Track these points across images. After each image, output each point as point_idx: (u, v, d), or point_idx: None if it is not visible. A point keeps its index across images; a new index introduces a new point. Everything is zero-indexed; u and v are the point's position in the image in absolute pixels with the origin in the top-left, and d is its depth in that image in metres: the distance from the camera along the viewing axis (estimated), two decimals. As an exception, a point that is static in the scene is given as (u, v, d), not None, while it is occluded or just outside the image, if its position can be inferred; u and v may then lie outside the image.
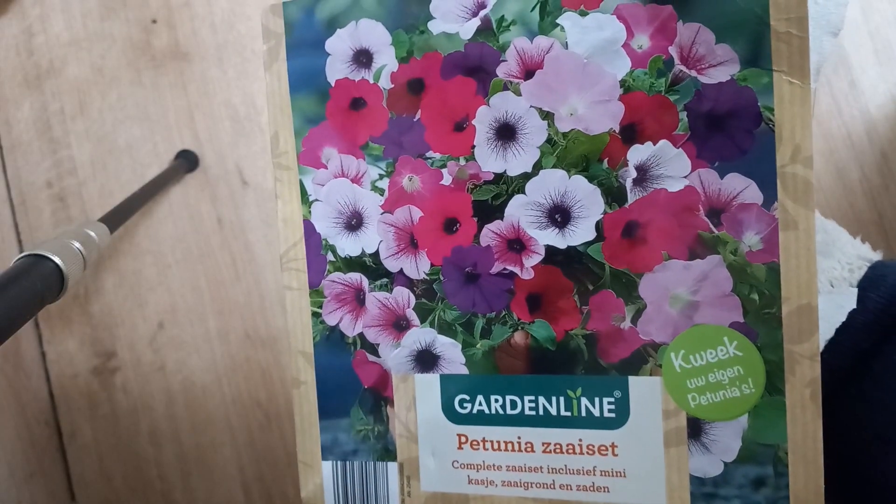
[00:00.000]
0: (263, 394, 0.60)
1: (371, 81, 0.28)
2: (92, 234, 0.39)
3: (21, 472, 0.58)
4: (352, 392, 0.29)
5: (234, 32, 0.60)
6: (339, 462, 0.30)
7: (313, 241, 0.29)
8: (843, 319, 0.25)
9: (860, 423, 0.26)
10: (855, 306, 0.26)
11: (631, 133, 0.26)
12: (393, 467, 0.29)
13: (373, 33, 0.28)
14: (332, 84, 0.29)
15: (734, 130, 0.25)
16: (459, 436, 0.28)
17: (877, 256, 0.29)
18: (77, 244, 0.37)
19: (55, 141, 0.63)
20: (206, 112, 0.61)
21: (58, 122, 0.63)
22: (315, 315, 0.29)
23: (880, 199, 0.57)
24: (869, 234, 0.56)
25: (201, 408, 0.61)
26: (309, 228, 0.29)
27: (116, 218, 0.46)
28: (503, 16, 0.27)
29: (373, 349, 0.29)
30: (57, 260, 0.34)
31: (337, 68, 0.28)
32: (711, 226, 0.25)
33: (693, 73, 0.25)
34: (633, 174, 0.26)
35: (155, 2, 0.61)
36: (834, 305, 0.25)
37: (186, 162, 0.59)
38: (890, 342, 0.26)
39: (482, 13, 0.27)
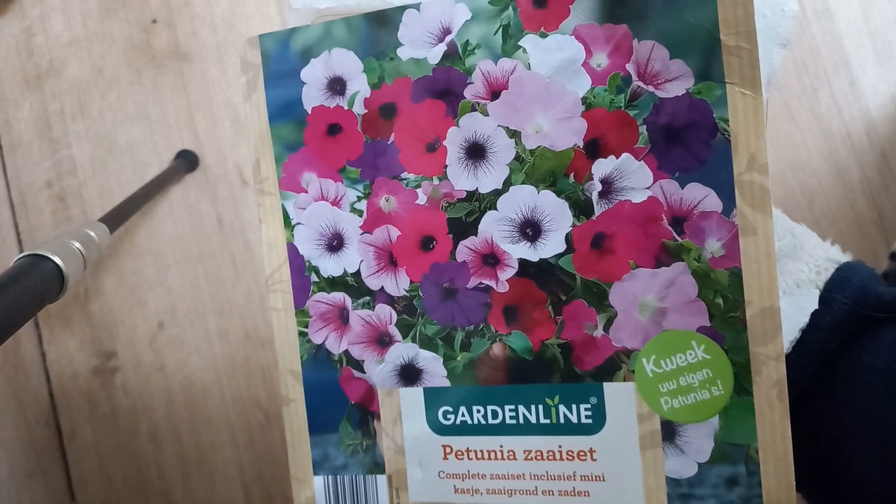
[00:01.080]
0: (263, 394, 0.61)
1: (346, 108, 0.29)
2: (92, 234, 0.40)
3: (21, 472, 0.58)
4: (340, 408, 0.30)
5: (234, 32, 0.61)
6: (329, 476, 0.31)
7: (297, 263, 0.30)
8: (806, 320, 0.26)
9: (830, 421, 0.27)
10: (817, 307, 0.26)
11: (594, 148, 0.27)
12: (382, 480, 0.30)
13: (345, 61, 0.29)
14: (309, 111, 0.30)
15: (692, 142, 0.26)
16: (444, 446, 0.29)
17: (845, 258, 0.29)
18: (77, 244, 0.37)
19: (55, 141, 0.63)
20: (206, 112, 0.61)
21: (58, 122, 0.63)
22: (301, 334, 0.30)
23: (880, 199, 0.57)
24: (869, 233, 0.57)
25: (201, 408, 0.61)
26: (292, 251, 0.30)
27: (116, 218, 0.46)
28: (468, 40, 0.28)
29: (358, 365, 0.30)
30: (57, 260, 0.34)
31: (313, 96, 0.30)
32: (675, 234, 0.26)
33: (650, 88, 0.26)
34: (599, 187, 0.27)
35: (155, 2, 0.62)
36: (796, 307, 0.26)
37: (186, 162, 0.59)
38: (856, 342, 0.27)
39: (448, 38, 0.28)
